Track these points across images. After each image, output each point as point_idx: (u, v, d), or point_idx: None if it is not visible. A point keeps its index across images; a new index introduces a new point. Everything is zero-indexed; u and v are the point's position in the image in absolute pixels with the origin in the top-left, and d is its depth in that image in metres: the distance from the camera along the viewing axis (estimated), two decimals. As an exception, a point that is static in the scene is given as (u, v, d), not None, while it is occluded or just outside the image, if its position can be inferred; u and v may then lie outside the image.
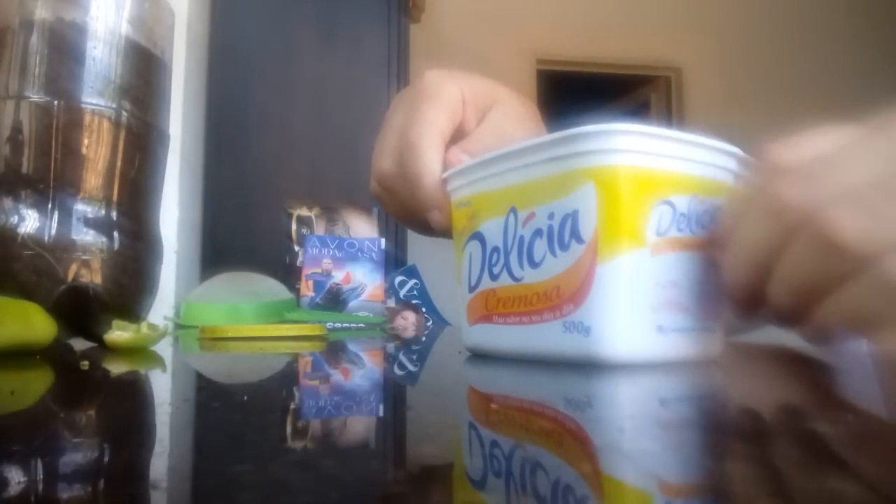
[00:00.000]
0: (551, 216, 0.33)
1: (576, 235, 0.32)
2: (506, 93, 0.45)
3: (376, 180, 0.45)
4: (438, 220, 0.41)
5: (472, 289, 0.38)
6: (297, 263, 1.48)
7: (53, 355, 0.42)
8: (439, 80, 0.42)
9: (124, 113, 0.55)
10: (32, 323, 0.42)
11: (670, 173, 0.32)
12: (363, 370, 0.40)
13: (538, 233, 0.34)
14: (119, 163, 0.55)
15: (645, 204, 0.31)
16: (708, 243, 0.33)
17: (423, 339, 0.74)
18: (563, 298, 0.32)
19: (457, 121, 0.42)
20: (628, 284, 0.31)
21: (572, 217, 0.32)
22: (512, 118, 0.43)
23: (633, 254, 0.31)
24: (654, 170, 0.32)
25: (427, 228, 0.44)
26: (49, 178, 0.52)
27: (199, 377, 0.39)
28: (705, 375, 0.32)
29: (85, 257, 0.52)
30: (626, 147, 0.31)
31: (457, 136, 0.42)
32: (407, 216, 0.45)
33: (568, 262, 0.32)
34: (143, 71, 0.58)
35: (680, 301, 0.32)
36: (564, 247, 0.32)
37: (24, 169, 0.52)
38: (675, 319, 0.32)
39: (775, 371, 0.38)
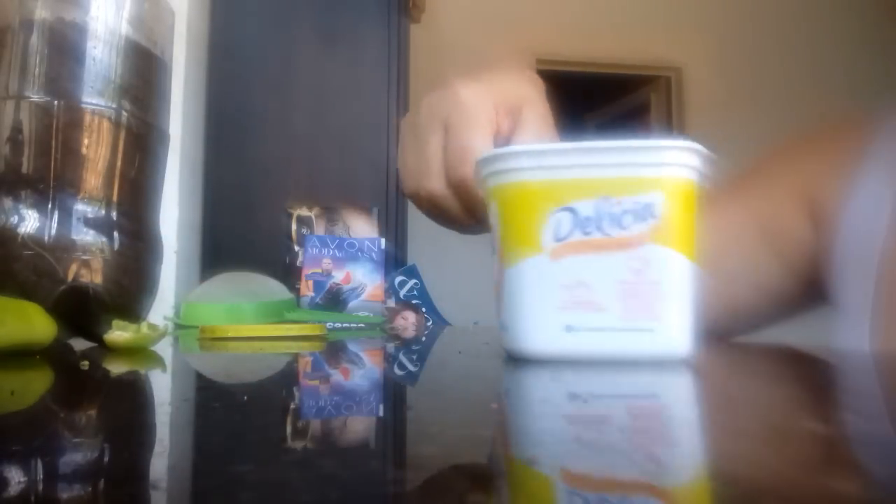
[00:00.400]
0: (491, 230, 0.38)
1: (494, 246, 0.37)
2: (529, 91, 0.46)
3: (424, 199, 0.47)
4: None
5: None
6: (297, 263, 1.48)
7: (53, 355, 0.42)
8: (475, 99, 0.44)
9: (124, 113, 0.55)
10: (32, 323, 0.42)
11: (568, 181, 0.34)
12: (363, 370, 0.41)
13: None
14: (119, 163, 0.55)
15: (539, 214, 0.34)
16: (630, 242, 0.33)
17: (423, 339, 0.74)
18: (497, 300, 0.37)
19: (493, 134, 0.44)
20: (528, 287, 0.35)
21: (493, 230, 0.37)
22: (540, 118, 0.46)
23: (530, 260, 0.34)
24: (548, 181, 0.34)
25: (469, 230, 0.48)
26: (49, 178, 0.52)
27: (199, 377, 0.39)
28: (642, 375, 0.32)
29: (85, 257, 0.52)
30: (516, 166, 0.35)
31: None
32: (454, 225, 0.48)
33: (494, 269, 0.37)
34: (143, 71, 0.58)
35: (594, 301, 0.33)
36: (493, 256, 0.37)
37: (24, 169, 0.52)
38: (587, 319, 0.33)
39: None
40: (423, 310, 1.23)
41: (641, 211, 0.33)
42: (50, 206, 0.52)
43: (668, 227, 0.33)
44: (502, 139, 0.44)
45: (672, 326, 0.33)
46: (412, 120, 0.47)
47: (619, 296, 0.33)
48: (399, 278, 1.27)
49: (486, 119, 0.43)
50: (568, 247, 0.34)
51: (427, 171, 0.45)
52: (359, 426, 0.21)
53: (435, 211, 0.47)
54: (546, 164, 0.34)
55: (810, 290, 0.54)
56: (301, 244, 1.48)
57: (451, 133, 0.44)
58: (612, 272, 0.33)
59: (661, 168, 0.34)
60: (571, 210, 0.33)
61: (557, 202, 0.34)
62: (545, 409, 0.23)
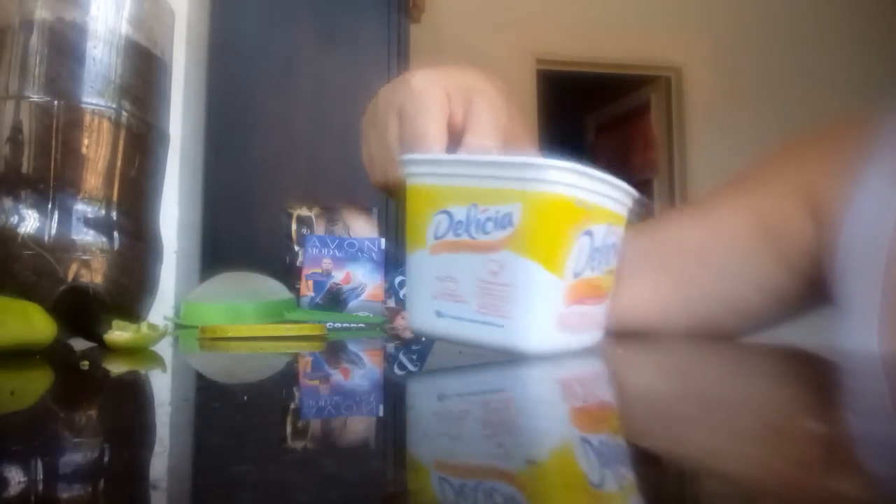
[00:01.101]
0: None
1: None
2: (481, 83, 0.47)
3: (392, 187, 0.47)
4: None
5: None
6: (297, 263, 1.48)
7: (53, 355, 0.42)
8: (426, 85, 0.45)
9: (124, 113, 0.55)
10: (32, 323, 0.42)
11: (448, 188, 0.39)
12: (363, 370, 0.41)
13: None
14: (119, 163, 0.55)
15: (426, 214, 0.39)
16: (489, 247, 0.36)
17: (423, 339, 0.74)
18: None
19: (447, 120, 0.45)
20: (414, 276, 0.40)
21: None
22: (492, 109, 0.46)
23: (418, 253, 0.39)
24: (434, 186, 0.39)
25: None
26: (49, 178, 0.52)
27: (199, 377, 0.39)
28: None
29: (85, 257, 0.52)
30: (411, 172, 0.40)
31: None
32: None
33: None
34: (143, 71, 0.58)
35: (457, 293, 0.37)
36: None
37: (24, 169, 0.52)
38: (451, 308, 0.38)
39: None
40: (423, 310, 1.23)
41: (501, 220, 0.36)
42: (50, 206, 0.52)
43: (525, 237, 0.36)
44: (457, 127, 0.45)
45: (520, 325, 0.36)
46: (371, 113, 0.48)
47: (476, 292, 0.37)
48: (399, 278, 1.27)
49: (437, 104, 0.44)
50: (443, 245, 0.38)
51: (390, 158, 0.46)
52: (359, 426, 0.21)
53: (402, 197, 0.48)
54: (432, 171, 0.39)
55: (812, 290, 0.54)
56: (301, 244, 1.48)
57: (406, 120, 0.45)
58: (473, 271, 0.37)
59: (524, 183, 0.36)
60: (448, 213, 0.38)
61: (439, 205, 0.39)
62: (539, 407, 0.23)
